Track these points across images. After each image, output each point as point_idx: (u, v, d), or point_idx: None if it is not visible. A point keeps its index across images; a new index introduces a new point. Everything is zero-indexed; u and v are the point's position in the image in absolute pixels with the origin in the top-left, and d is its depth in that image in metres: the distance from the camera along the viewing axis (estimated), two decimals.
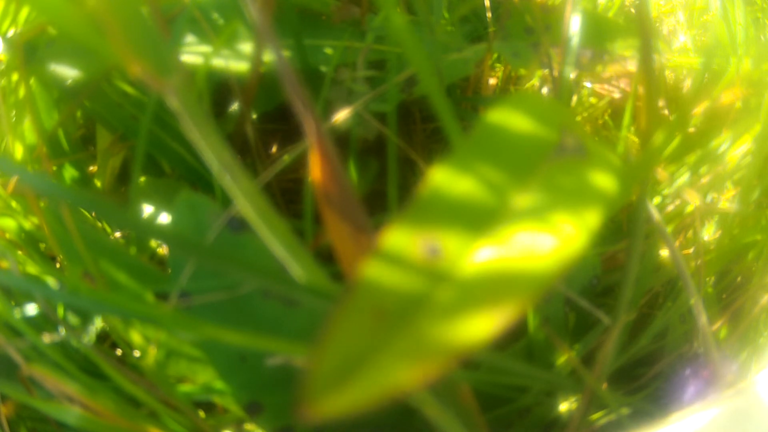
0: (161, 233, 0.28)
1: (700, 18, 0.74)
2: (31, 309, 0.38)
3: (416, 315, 0.19)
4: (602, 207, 0.22)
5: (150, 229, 0.28)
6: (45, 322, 0.39)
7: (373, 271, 0.19)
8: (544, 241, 0.20)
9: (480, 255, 0.20)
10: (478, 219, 0.21)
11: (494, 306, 0.19)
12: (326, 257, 0.45)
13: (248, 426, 0.39)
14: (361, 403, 0.18)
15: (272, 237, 0.27)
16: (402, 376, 0.18)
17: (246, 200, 0.26)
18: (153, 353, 0.35)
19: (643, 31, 0.28)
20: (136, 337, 0.36)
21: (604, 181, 0.23)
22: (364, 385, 0.18)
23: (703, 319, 0.42)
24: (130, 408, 0.32)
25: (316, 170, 0.25)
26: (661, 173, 0.51)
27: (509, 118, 0.24)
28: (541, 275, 0.20)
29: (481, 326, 0.18)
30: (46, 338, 0.34)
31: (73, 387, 0.29)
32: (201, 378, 0.36)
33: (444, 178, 0.22)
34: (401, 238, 0.20)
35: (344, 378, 0.18)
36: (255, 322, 0.36)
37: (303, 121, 0.24)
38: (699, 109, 0.55)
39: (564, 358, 0.43)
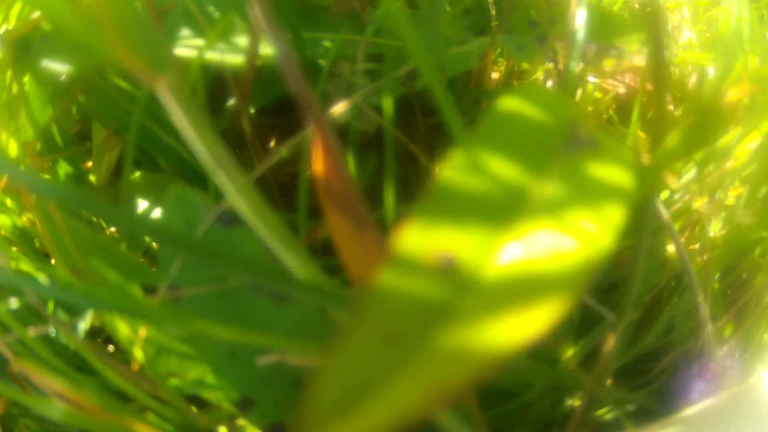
0: (149, 228, 0.27)
1: (705, 14, 0.73)
2: (19, 304, 0.38)
3: (434, 331, 0.17)
4: (624, 202, 0.20)
5: (138, 223, 0.28)
6: (34, 317, 0.38)
7: (385, 285, 0.18)
8: (570, 240, 0.19)
9: (503, 257, 0.18)
10: (496, 216, 0.19)
11: (525, 312, 0.17)
12: (320, 252, 0.44)
13: (240, 422, 0.38)
14: (370, 430, 0.16)
15: (264, 231, 0.26)
16: (416, 400, 0.16)
17: (238, 194, 0.26)
18: (143, 348, 0.35)
19: (654, 24, 0.27)
20: (125, 331, 0.36)
21: (622, 176, 0.21)
22: (373, 411, 0.16)
23: (708, 316, 0.42)
24: (119, 403, 0.32)
25: (318, 164, 0.24)
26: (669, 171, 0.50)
27: (521, 108, 0.23)
28: (572, 275, 0.18)
29: (509, 335, 0.17)
30: (32, 332, 0.33)
31: (58, 382, 0.28)
32: (192, 374, 0.36)
33: (456, 173, 0.20)
34: (414, 245, 0.18)
35: (352, 404, 0.16)
36: (246, 318, 0.36)
37: (305, 113, 0.24)
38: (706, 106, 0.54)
39: (569, 354, 0.42)
